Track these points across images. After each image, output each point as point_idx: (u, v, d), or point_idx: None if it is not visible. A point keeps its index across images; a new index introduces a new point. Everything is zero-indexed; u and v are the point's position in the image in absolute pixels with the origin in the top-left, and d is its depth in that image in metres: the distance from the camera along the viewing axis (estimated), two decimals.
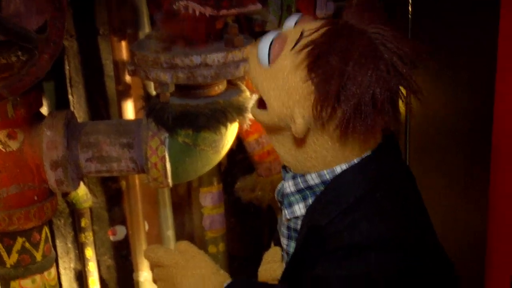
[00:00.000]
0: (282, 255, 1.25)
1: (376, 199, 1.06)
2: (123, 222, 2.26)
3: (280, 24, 1.87)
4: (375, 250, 1.02)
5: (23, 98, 1.50)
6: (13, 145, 1.55)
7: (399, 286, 1.04)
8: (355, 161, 1.08)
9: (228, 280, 1.15)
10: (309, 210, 1.11)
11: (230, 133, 1.62)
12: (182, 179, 1.68)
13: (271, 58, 1.07)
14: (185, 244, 1.21)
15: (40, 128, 1.57)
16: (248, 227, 2.46)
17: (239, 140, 1.93)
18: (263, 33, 1.81)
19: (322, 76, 1.00)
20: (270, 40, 1.07)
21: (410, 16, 1.65)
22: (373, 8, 1.07)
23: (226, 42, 1.54)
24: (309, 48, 1.02)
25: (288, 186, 1.14)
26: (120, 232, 2.29)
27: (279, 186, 1.20)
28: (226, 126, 1.58)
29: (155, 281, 1.24)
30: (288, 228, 1.16)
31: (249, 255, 2.38)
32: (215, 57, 1.50)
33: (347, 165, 1.09)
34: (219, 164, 2.03)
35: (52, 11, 1.26)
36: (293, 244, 1.17)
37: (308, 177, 1.11)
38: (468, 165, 1.60)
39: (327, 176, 1.09)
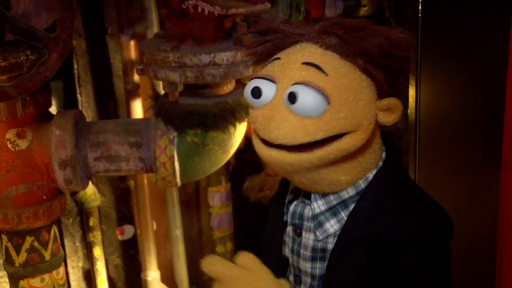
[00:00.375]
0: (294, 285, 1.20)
1: (408, 196, 1.10)
2: (131, 221, 2.26)
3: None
4: (437, 240, 1.08)
5: (32, 97, 1.50)
6: (22, 144, 1.55)
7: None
8: (380, 163, 1.10)
9: None
10: (350, 224, 1.09)
11: (238, 133, 1.62)
12: (190, 178, 1.68)
13: (327, 95, 1.02)
14: (246, 257, 1.11)
15: (49, 127, 1.57)
16: (256, 227, 2.46)
17: (247, 140, 1.92)
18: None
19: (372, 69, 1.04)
20: (294, 91, 1.02)
21: (420, 8, 1.64)
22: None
23: (235, 41, 1.54)
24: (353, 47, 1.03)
25: (318, 206, 1.11)
26: (128, 231, 2.29)
27: (294, 208, 1.15)
28: (234, 126, 1.58)
29: None
30: (314, 250, 1.13)
31: (257, 254, 2.37)
32: (224, 56, 1.50)
33: (375, 170, 1.10)
34: (227, 163, 2.03)
35: (61, 10, 1.26)
36: (324, 265, 1.13)
37: (343, 192, 1.10)
38: (479, 160, 1.59)
39: (362, 185, 1.10)
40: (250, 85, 1.07)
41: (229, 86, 1.61)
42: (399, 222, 1.06)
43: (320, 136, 1.02)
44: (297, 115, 1.02)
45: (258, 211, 2.33)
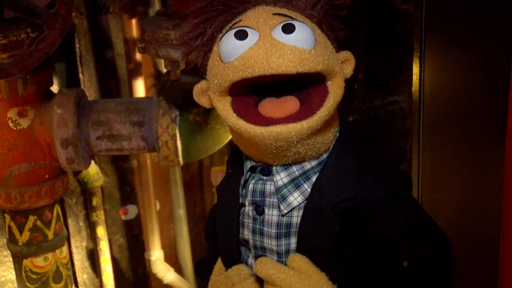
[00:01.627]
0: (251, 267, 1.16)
1: (367, 159, 1.11)
2: (134, 201, 2.26)
3: None
4: (407, 191, 1.13)
5: (33, 76, 1.49)
6: (24, 123, 1.54)
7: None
8: (337, 134, 1.11)
9: None
10: (315, 194, 1.07)
11: None
12: (193, 157, 1.67)
13: (312, 31, 1.04)
14: (299, 261, 1.08)
15: (51, 106, 1.57)
16: None
17: None
18: None
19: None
20: (289, 22, 1.04)
21: None
22: None
23: None
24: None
25: (280, 178, 1.08)
26: (132, 211, 2.29)
27: (254, 186, 1.12)
28: None
29: None
30: (279, 226, 1.10)
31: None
32: None
33: (334, 140, 1.10)
34: (231, 142, 2.02)
35: None
36: (289, 241, 1.10)
37: (306, 162, 1.09)
38: (484, 140, 1.58)
39: (324, 155, 1.09)
40: (229, 35, 1.04)
41: None
42: (365, 185, 1.07)
43: (318, 66, 1.01)
44: (295, 45, 1.00)
45: None
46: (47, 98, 1.58)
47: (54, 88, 1.64)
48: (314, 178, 1.09)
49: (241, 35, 1.02)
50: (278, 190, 1.09)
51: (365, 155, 1.11)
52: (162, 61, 1.76)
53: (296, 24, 1.02)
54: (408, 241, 1.11)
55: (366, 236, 1.09)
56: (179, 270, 2.27)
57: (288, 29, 1.01)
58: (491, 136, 1.55)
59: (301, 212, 1.09)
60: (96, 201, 2.11)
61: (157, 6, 1.94)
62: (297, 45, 1.00)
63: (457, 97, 1.65)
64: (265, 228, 1.11)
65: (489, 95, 1.53)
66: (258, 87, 1.05)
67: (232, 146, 1.27)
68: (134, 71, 2.02)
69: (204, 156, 1.74)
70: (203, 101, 1.13)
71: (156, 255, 2.21)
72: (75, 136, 1.56)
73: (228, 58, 1.03)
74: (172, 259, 2.28)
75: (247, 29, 1.03)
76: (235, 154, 1.21)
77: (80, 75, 2.07)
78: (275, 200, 1.10)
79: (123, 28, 1.97)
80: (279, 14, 1.05)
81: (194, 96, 1.13)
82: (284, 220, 1.09)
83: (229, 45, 1.03)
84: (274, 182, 1.09)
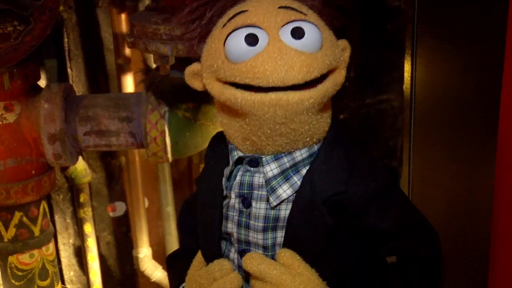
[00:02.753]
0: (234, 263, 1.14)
1: (356, 155, 1.11)
2: (122, 198, 2.24)
3: None
4: (395, 185, 1.13)
5: (20, 70, 1.47)
6: (10, 117, 1.52)
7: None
8: (327, 128, 1.10)
9: None
10: (305, 187, 1.06)
11: None
12: (182, 154, 1.66)
13: (319, 29, 1.04)
14: (289, 256, 1.06)
15: (38, 100, 1.55)
16: None
17: None
18: None
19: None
20: (298, 26, 1.03)
21: None
22: None
23: None
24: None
25: (270, 169, 1.07)
26: (120, 208, 2.27)
27: (241, 178, 1.10)
28: None
29: None
30: (266, 219, 1.08)
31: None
32: None
33: (325, 134, 1.10)
34: None
35: None
36: (276, 234, 1.08)
37: (297, 153, 1.07)
38: (476, 139, 1.58)
39: (315, 147, 1.08)
40: (238, 35, 1.02)
41: None
42: (356, 180, 1.07)
43: (325, 69, 1.02)
44: (303, 51, 1.00)
45: None
46: (34, 93, 1.56)
47: (43, 84, 1.61)
48: (304, 171, 1.07)
49: (252, 40, 1.01)
50: (267, 181, 1.07)
51: (356, 151, 1.11)
52: (152, 56, 1.74)
53: (305, 28, 1.01)
54: (398, 236, 1.11)
55: (356, 231, 1.08)
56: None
57: (298, 34, 1.01)
58: (482, 134, 1.54)
59: (289, 206, 1.07)
60: (83, 197, 2.09)
61: (146, 1, 1.92)
62: (306, 51, 1.00)
63: (449, 95, 1.64)
64: (252, 222, 1.09)
65: (481, 93, 1.53)
66: None
67: (212, 138, 1.24)
68: (123, 66, 2.01)
69: (193, 152, 1.73)
70: (196, 84, 1.13)
71: (144, 252, 2.19)
72: (63, 131, 1.54)
73: (235, 59, 1.02)
74: (161, 256, 2.26)
75: (257, 31, 1.01)
76: (215, 146, 1.19)
77: (69, 69, 2.05)
78: (264, 192, 1.08)
79: (112, 22, 1.95)
80: (285, 8, 1.04)
81: (186, 78, 1.13)
82: (272, 213, 1.08)
83: (237, 47, 1.02)
84: (264, 174, 1.07)
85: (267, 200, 1.07)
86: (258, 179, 1.09)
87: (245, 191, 1.09)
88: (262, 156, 1.07)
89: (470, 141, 1.59)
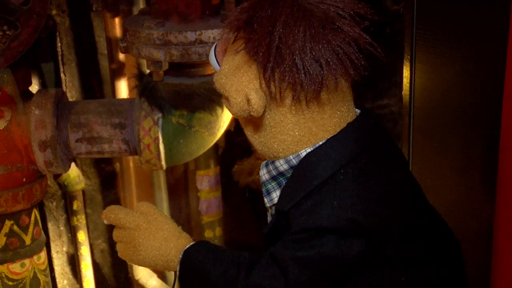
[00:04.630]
0: None
1: (340, 181, 1.04)
2: (117, 205, 2.21)
3: None
4: (333, 234, 1.02)
5: (10, 75, 1.44)
6: (0, 124, 1.50)
7: (352, 273, 1.05)
8: (320, 143, 1.07)
9: (190, 243, 1.15)
10: (280, 196, 1.12)
11: (226, 114, 1.57)
12: (176, 161, 1.63)
13: (219, 60, 1.11)
14: (146, 206, 1.20)
15: (29, 107, 1.52)
16: (245, 211, 2.42)
17: (238, 122, 1.87)
18: None
19: (253, 43, 1.01)
20: (214, 46, 1.12)
21: None
22: None
23: (223, 19, 1.48)
24: (232, 23, 1.04)
25: (263, 174, 1.14)
26: None
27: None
28: (222, 107, 1.53)
29: (115, 242, 1.22)
30: (272, 216, 1.17)
31: (246, 240, 2.34)
32: (211, 34, 1.44)
33: (312, 147, 1.08)
34: (217, 146, 1.98)
35: None
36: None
37: (277, 163, 1.11)
38: (476, 145, 1.55)
39: (294, 161, 1.10)
40: None
41: None
42: (301, 207, 1.06)
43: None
44: None
45: (248, 195, 2.30)
46: (25, 99, 1.54)
47: (35, 89, 1.59)
48: None
49: None
50: (263, 184, 1.15)
51: (329, 177, 1.06)
52: (145, 61, 1.72)
53: None
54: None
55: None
56: (162, 276, 2.23)
57: None
58: (482, 140, 1.52)
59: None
60: (77, 205, 2.06)
61: (141, 5, 1.90)
62: None
63: (448, 101, 1.62)
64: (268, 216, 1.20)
65: (481, 98, 1.51)
66: None
67: None
68: (117, 71, 1.98)
69: (188, 160, 1.71)
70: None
71: None
72: (54, 138, 1.51)
73: None
74: None
75: None
76: None
77: (62, 74, 2.03)
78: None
79: (106, 27, 1.93)
80: None
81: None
82: (274, 212, 1.14)
83: None
84: (260, 176, 1.16)
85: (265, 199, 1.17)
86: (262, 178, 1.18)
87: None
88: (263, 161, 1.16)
89: (470, 148, 1.57)
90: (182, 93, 1.50)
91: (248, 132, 1.14)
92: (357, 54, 1.02)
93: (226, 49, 1.10)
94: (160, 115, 1.52)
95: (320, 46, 1.00)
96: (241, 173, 2.00)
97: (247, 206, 2.41)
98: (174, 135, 1.55)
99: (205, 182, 2.06)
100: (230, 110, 1.12)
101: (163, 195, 2.13)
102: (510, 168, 1.37)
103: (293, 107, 1.05)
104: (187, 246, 1.15)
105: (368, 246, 1.03)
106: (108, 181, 2.19)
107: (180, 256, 1.14)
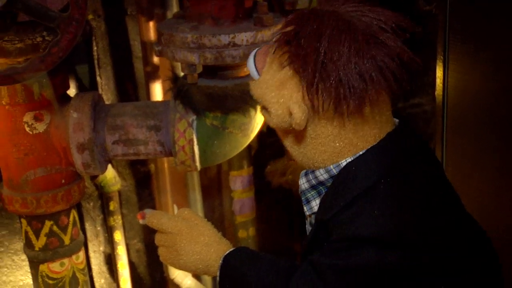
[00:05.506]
0: None
1: (381, 191, 1.04)
2: (152, 205, 2.24)
3: (311, 3, 1.81)
4: (373, 244, 1.00)
5: (49, 79, 1.48)
6: (40, 127, 1.53)
7: (391, 284, 1.02)
8: (361, 153, 1.08)
9: (230, 249, 1.18)
10: (320, 205, 1.12)
11: (259, 116, 1.58)
12: (210, 162, 1.64)
13: (258, 69, 1.11)
14: (188, 212, 1.24)
15: (67, 110, 1.55)
16: (278, 212, 2.43)
17: None
18: (293, 12, 1.77)
19: (298, 58, 1.02)
20: (254, 54, 1.12)
21: None
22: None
23: (256, 21, 1.50)
24: (278, 37, 1.04)
25: (303, 183, 1.16)
26: None
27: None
28: (255, 108, 1.54)
29: (157, 246, 1.26)
30: (311, 224, 1.18)
31: (278, 240, 2.34)
32: (244, 37, 1.45)
33: (352, 157, 1.08)
34: (250, 147, 1.99)
35: None
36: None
37: (317, 172, 1.12)
38: (508, 146, 1.54)
39: (334, 170, 1.10)
40: None
41: None
42: (344, 217, 1.05)
43: None
44: None
45: (281, 196, 2.31)
46: (63, 102, 1.57)
47: (73, 92, 1.62)
48: None
49: None
50: (302, 193, 1.17)
51: (369, 187, 1.05)
52: (180, 64, 1.74)
53: None
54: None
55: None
56: (197, 275, 2.24)
57: None
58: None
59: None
60: (113, 205, 2.09)
61: (175, 8, 1.92)
62: None
63: (482, 100, 1.61)
64: (307, 224, 1.21)
65: None
66: None
67: None
68: (152, 74, 2.00)
69: (222, 161, 1.72)
70: None
71: None
72: (91, 140, 1.54)
73: None
74: None
75: None
76: None
77: (98, 78, 2.06)
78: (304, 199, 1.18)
79: (141, 30, 1.95)
80: None
81: None
82: (313, 220, 1.16)
83: None
84: (300, 185, 1.17)
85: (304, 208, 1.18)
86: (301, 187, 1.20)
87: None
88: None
89: (504, 147, 1.55)
90: (216, 95, 1.51)
91: (287, 143, 1.14)
92: (400, 69, 1.02)
93: (266, 59, 1.10)
94: (194, 117, 1.54)
95: (364, 61, 1.00)
96: (274, 173, 2.01)
97: (280, 206, 2.42)
98: (208, 136, 1.56)
99: (238, 183, 2.07)
100: (269, 122, 1.12)
101: (197, 196, 2.14)
102: None
103: (335, 120, 1.05)
104: (227, 252, 1.17)
105: (407, 257, 1.01)
106: (143, 182, 2.22)
107: (220, 261, 1.17)
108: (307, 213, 1.17)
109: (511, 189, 1.54)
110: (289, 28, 1.04)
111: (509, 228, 1.55)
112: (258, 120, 1.59)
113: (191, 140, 1.55)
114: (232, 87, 1.52)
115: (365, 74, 1.00)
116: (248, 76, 1.55)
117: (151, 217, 1.24)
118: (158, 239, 1.24)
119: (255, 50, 1.14)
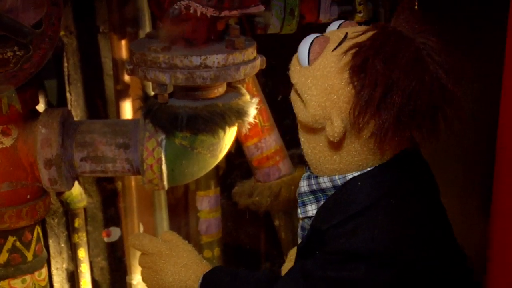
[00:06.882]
0: None
1: (382, 209, 1.05)
2: (117, 223, 2.23)
3: (282, 28, 1.84)
4: (368, 260, 1.02)
5: (18, 94, 1.47)
6: (7, 141, 1.52)
7: None
8: (368, 169, 1.09)
9: (209, 269, 1.20)
10: (317, 212, 1.13)
11: (228, 137, 1.59)
12: (178, 182, 1.65)
13: (311, 58, 1.06)
14: (170, 234, 1.28)
15: (35, 125, 1.54)
16: (245, 233, 2.43)
17: (239, 144, 1.90)
18: (265, 36, 1.80)
19: (366, 81, 0.99)
20: (311, 40, 1.07)
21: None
22: (423, 17, 1.05)
23: (227, 44, 1.51)
24: (354, 50, 1.01)
25: (303, 186, 1.17)
26: (115, 233, 2.26)
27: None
28: (224, 130, 1.55)
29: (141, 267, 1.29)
30: (302, 228, 1.19)
31: (244, 261, 2.35)
32: (215, 59, 1.47)
33: (359, 172, 1.09)
34: (217, 167, 2.00)
35: (48, 6, 1.23)
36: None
37: (321, 179, 1.13)
38: (474, 154, 1.56)
39: (339, 181, 1.11)
40: None
41: (220, 89, 1.58)
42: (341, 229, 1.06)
43: None
44: None
45: (247, 217, 2.32)
46: (32, 117, 1.56)
47: (41, 107, 1.62)
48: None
49: None
50: (300, 195, 1.18)
51: (371, 203, 1.06)
52: (151, 83, 1.75)
53: None
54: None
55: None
56: None
57: None
58: (478, 150, 1.53)
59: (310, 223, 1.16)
60: (78, 222, 2.08)
61: (147, 28, 1.93)
62: None
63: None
64: (298, 227, 1.22)
65: (480, 110, 1.51)
66: None
67: None
68: (122, 92, 2.01)
69: (190, 180, 1.72)
70: None
71: (138, 279, 2.17)
72: (59, 156, 1.54)
73: None
74: None
75: None
76: None
77: (68, 94, 2.06)
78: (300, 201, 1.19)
79: (113, 48, 1.96)
80: None
81: None
82: (305, 224, 1.18)
83: None
84: (299, 187, 1.18)
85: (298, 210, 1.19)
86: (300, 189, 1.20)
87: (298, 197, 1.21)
88: (306, 171, 1.18)
89: (468, 158, 1.56)
90: (186, 115, 1.52)
91: (304, 138, 1.13)
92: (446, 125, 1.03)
93: (321, 52, 1.07)
94: (163, 136, 1.55)
95: (421, 104, 0.99)
96: (241, 194, 2.02)
97: (246, 227, 2.43)
98: (177, 156, 1.57)
99: (205, 203, 2.07)
100: (298, 112, 1.10)
101: (163, 215, 2.14)
102: (505, 191, 1.38)
103: (366, 142, 1.05)
104: (206, 271, 1.20)
105: (400, 276, 1.03)
106: (109, 200, 2.21)
107: (199, 281, 1.19)
108: (300, 216, 1.18)
109: (473, 211, 1.57)
110: (367, 42, 1.00)
111: (469, 241, 1.57)
112: (226, 141, 1.61)
113: (160, 159, 1.55)
114: (202, 108, 1.53)
115: (417, 116, 0.99)
116: (218, 97, 1.57)
117: (134, 239, 1.27)
118: (140, 260, 1.27)
119: (313, 37, 1.08)
